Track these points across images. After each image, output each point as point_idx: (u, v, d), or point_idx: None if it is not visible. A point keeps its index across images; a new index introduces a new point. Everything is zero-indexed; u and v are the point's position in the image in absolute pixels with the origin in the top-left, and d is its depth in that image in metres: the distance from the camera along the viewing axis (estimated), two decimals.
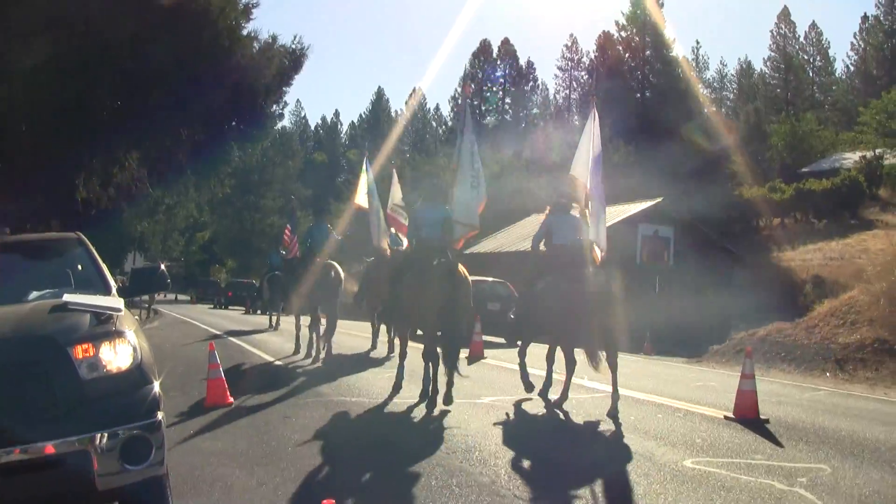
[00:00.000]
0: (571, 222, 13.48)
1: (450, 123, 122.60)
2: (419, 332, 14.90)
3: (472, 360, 19.05)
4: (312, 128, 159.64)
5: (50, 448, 5.47)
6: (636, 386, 15.71)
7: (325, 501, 4.91)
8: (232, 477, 8.62)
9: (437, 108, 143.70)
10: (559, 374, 13.88)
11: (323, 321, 19.84)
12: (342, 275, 19.88)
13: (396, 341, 16.38)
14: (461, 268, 12.70)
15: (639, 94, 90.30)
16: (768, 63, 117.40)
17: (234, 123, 26.45)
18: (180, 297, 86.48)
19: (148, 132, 22.49)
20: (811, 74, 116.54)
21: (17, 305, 6.77)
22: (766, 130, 79.30)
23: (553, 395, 13.57)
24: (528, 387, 13.82)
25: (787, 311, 30.25)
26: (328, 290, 19.24)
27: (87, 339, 5.92)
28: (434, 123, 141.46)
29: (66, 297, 6.43)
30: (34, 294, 7.30)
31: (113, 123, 20.92)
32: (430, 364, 13.08)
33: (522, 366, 14.02)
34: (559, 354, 13.92)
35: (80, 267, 8.04)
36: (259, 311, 46.31)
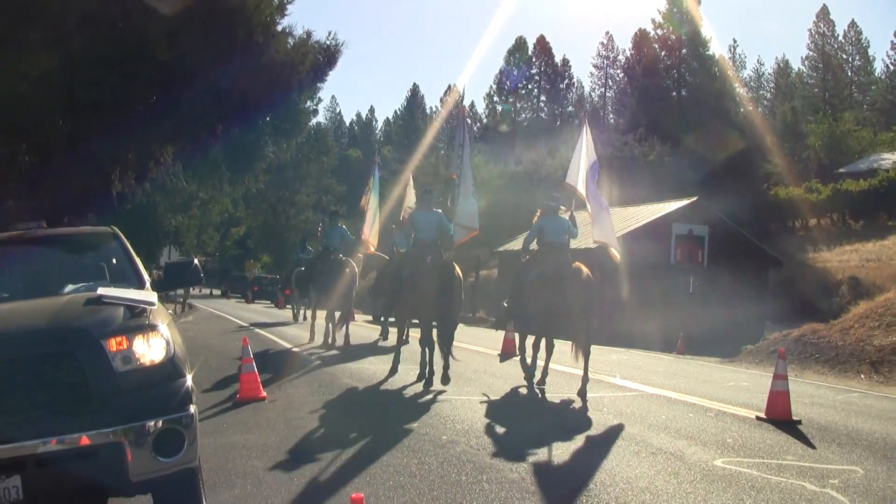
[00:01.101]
0: (560, 223, 15.17)
1: (485, 121, 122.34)
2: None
3: (504, 357, 19.07)
4: (347, 124, 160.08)
5: (85, 439, 5.53)
6: (668, 385, 15.68)
7: (354, 496, 4.94)
8: (263, 470, 8.70)
9: (473, 105, 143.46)
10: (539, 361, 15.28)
11: (338, 313, 21.78)
12: (357, 271, 21.98)
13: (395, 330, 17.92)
14: (453, 265, 14.77)
15: (675, 93, 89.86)
16: (806, 62, 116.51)
17: (268, 119, 26.58)
18: (215, 291, 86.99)
19: (183, 127, 22.60)
20: (850, 74, 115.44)
21: (53, 298, 6.85)
22: (803, 130, 78.69)
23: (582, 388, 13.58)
24: (531, 377, 15.05)
25: (822, 312, 30.09)
26: (343, 284, 21.21)
27: (120, 332, 5.98)
28: (469, 121, 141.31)
29: (101, 291, 6.49)
30: (69, 287, 7.38)
31: (148, 118, 21.03)
32: (427, 349, 14.98)
33: (523, 359, 15.37)
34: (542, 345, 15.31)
35: (114, 260, 8.10)
36: (287, 306, 46.74)
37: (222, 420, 11.54)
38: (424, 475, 8.48)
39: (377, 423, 11.31)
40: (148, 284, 7.61)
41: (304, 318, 31.26)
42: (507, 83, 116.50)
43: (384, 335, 22.16)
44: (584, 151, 16.36)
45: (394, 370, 16.09)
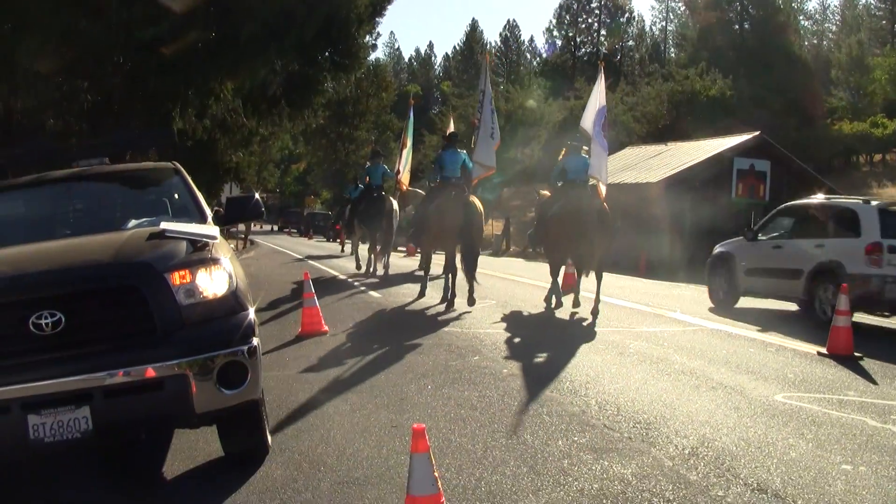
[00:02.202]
0: (581, 162, 16.75)
1: (544, 55, 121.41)
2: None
3: (564, 291, 19.01)
4: (406, 60, 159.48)
5: (151, 371, 5.61)
6: (729, 321, 15.57)
7: (415, 426, 4.97)
8: (326, 403, 8.79)
9: (532, 39, 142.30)
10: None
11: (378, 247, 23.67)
12: (395, 206, 23.98)
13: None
14: (474, 198, 16.59)
15: (737, 26, 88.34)
16: None
17: (327, 54, 26.46)
18: (275, 227, 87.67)
19: (242, 63, 22.59)
20: None
21: (117, 233, 6.92)
22: (868, 64, 77.03)
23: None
24: (558, 303, 16.79)
25: None
26: (384, 218, 23.10)
27: (184, 265, 6.03)
28: (528, 55, 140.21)
29: (164, 225, 6.54)
30: (133, 222, 7.42)
31: (207, 55, 21.05)
32: (450, 275, 16.95)
33: (555, 284, 16.98)
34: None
35: (176, 196, 8.14)
36: (331, 240, 53.48)
37: (285, 354, 11.67)
38: (485, 408, 8.53)
39: (437, 356, 11.35)
40: (210, 219, 7.64)
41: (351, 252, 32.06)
42: (546, 53, 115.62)
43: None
44: (596, 95, 17.60)
45: (422, 293, 17.89)
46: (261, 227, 74.99)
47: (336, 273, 25.30)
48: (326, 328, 13.37)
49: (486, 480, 6.39)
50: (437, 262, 19.02)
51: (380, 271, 23.47)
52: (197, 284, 5.99)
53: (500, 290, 19.18)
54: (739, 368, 10.91)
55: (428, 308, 16.57)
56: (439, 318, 15.00)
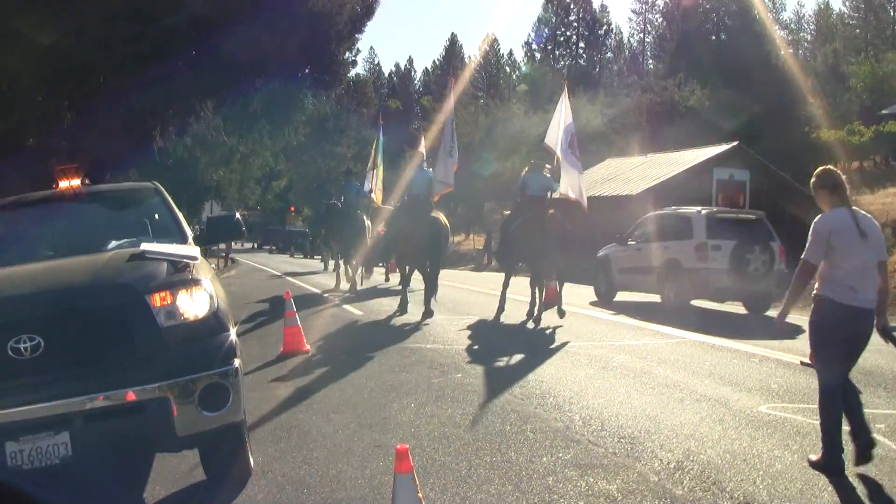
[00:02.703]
0: (542, 180, 17.32)
1: (523, 69, 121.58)
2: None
3: (546, 306, 19.01)
4: (386, 75, 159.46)
5: (131, 395, 5.55)
6: (712, 331, 15.58)
7: (399, 447, 4.93)
8: (309, 423, 8.74)
9: (511, 53, 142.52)
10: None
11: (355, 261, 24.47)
12: (368, 223, 24.61)
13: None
14: (440, 215, 17.67)
15: (714, 37, 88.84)
16: (848, 3, 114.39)
17: (307, 71, 26.52)
18: (256, 244, 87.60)
19: (222, 80, 22.60)
20: (892, 13, 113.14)
21: (97, 254, 6.86)
22: (844, 72, 77.36)
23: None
24: (500, 310, 17.38)
25: None
26: (357, 235, 23.72)
27: (164, 286, 5.98)
28: (508, 69, 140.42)
29: (144, 246, 6.50)
30: (113, 243, 7.37)
31: (188, 72, 21.03)
32: (404, 283, 18.37)
33: (503, 294, 17.61)
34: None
35: (157, 216, 8.09)
36: (309, 256, 56.29)
37: (267, 374, 11.60)
38: (469, 425, 8.49)
39: (420, 374, 11.32)
40: (191, 239, 7.61)
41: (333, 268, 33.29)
42: (534, 43, 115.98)
43: (387, 279, 24.28)
44: (562, 115, 18.52)
45: (403, 310, 18.00)
46: (242, 245, 74.83)
47: (315, 289, 25.61)
48: (308, 347, 13.30)
49: (471, 499, 6.35)
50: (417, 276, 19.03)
51: (358, 286, 24.16)
52: (178, 306, 5.94)
53: (482, 306, 19.14)
54: (723, 380, 10.91)
55: (407, 324, 16.52)
56: (420, 336, 14.95)
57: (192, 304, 6.03)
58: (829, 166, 7.85)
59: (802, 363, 11.69)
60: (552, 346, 13.67)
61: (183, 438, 5.87)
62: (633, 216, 25.97)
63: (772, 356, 12.77)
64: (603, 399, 9.80)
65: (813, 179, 7.70)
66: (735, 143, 39.72)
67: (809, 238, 7.43)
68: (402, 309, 18.00)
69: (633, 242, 21.78)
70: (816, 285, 7.45)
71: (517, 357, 12.59)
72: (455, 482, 6.73)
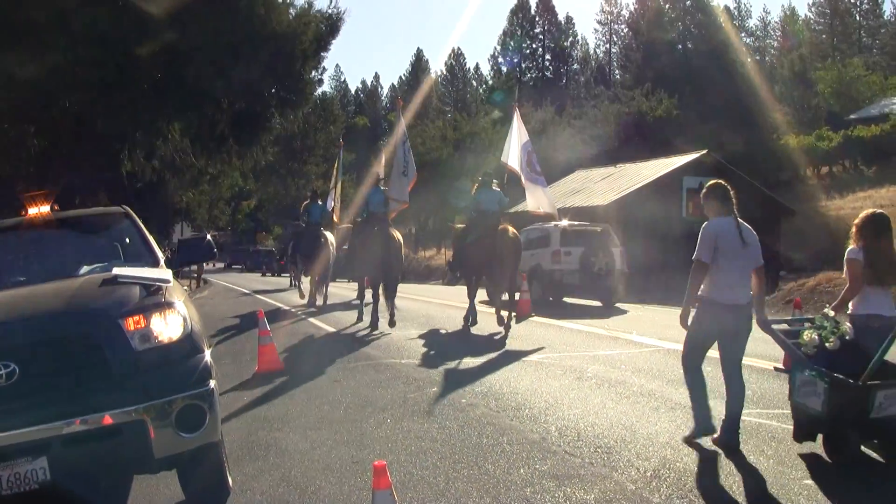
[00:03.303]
0: (493, 195, 18.19)
1: (490, 82, 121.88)
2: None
3: (519, 319, 19.17)
4: (353, 92, 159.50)
5: (108, 418, 5.57)
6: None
7: (376, 463, 4.99)
8: (286, 441, 8.77)
9: (478, 67, 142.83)
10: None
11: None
12: (332, 240, 25.93)
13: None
14: (395, 232, 18.74)
15: (680, 45, 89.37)
16: (813, 8, 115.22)
17: (273, 91, 26.58)
18: (224, 265, 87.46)
19: (189, 103, 22.61)
20: (858, 18, 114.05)
21: (69, 280, 6.88)
22: (811, 78, 77.97)
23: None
24: (473, 322, 18.37)
25: (837, 260, 29.97)
26: (321, 251, 24.77)
27: (138, 311, 6.01)
28: (475, 83, 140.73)
29: (116, 271, 6.53)
30: (85, 269, 7.39)
31: (154, 95, 21.06)
32: (374, 301, 18.92)
33: (471, 305, 18.44)
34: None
35: (127, 240, 8.11)
36: (274, 273, 59.23)
37: (243, 393, 11.61)
38: (445, 439, 8.55)
39: (395, 389, 11.36)
40: (162, 262, 7.64)
41: (293, 284, 35.24)
42: (504, 65, 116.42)
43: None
44: (516, 133, 20.07)
45: (359, 318, 19.42)
46: (214, 266, 74.65)
47: (283, 305, 26.38)
48: (283, 365, 13.33)
49: None
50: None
51: (319, 301, 25.19)
52: (151, 329, 5.97)
53: (454, 320, 19.20)
54: None
55: (379, 339, 16.59)
56: (395, 351, 14.98)
57: (166, 327, 6.07)
58: (719, 180, 8.97)
59: (776, 369, 11.85)
60: (526, 359, 13.73)
61: (161, 460, 5.89)
62: (603, 225, 26.39)
63: (745, 363, 12.86)
64: (578, 409, 9.87)
65: (704, 190, 8.82)
66: (704, 152, 40.01)
67: (699, 241, 8.38)
68: (360, 318, 19.38)
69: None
70: (702, 288, 8.39)
71: (491, 370, 12.64)
72: (433, 496, 6.79)
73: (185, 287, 30.53)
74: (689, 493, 6.71)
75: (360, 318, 19.40)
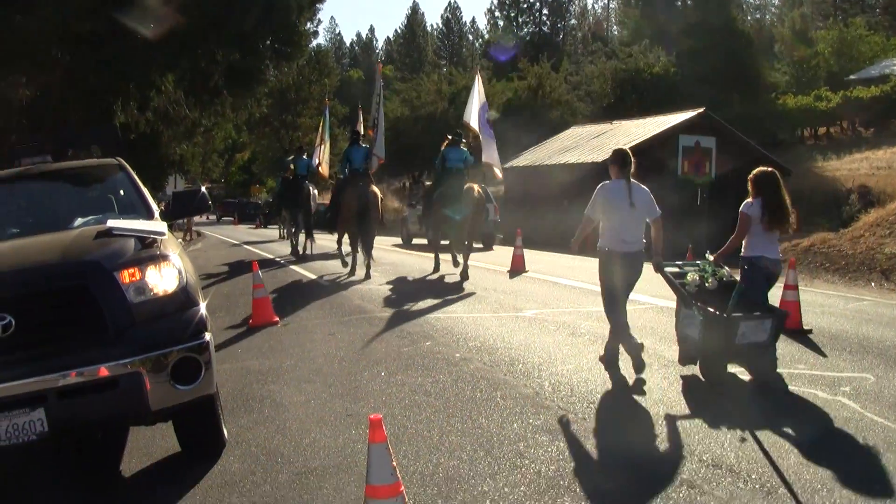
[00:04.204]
0: (460, 153, 19.42)
1: (486, 36, 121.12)
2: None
3: (513, 273, 19.26)
4: (348, 45, 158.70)
5: (104, 370, 5.63)
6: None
7: (372, 417, 5.03)
8: (281, 394, 8.84)
9: (474, 20, 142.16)
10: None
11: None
12: (315, 192, 28.32)
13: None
14: (374, 188, 20.21)
15: (679, 2, 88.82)
16: None
17: (268, 42, 26.49)
18: (224, 218, 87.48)
19: (182, 54, 22.50)
20: None
21: (63, 232, 6.93)
22: (812, 38, 77.44)
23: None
24: (437, 267, 20.26)
25: (832, 221, 30.05)
26: (303, 203, 26.70)
27: (133, 263, 6.06)
28: (470, 37, 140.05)
29: (111, 223, 6.55)
30: (79, 221, 7.42)
31: (147, 47, 20.92)
32: (353, 254, 20.54)
33: (437, 256, 20.56)
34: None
35: (122, 192, 8.12)
36: (259, 226, 60.44)
37: (237, 346, 11.68)
38: (439, 393, 8.62)
39: (389, 343, 11.41)
40: (157, 214, 7.65)
41: (284, 236, 36.15)
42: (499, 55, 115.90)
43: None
44: (476, 95, 21.78)
45: (345, 264, 21.03)
46: (207, 218, 74.51)
47: (272, 256, 28.24)
48: (277, 318, 13.40)
49: (444, 466, 6.48)
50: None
51: (309, 250, 26.82)
52: (147, 282, 6.02)
53: (453, 275, 19.26)
54: None
55: (371, 290, 16.69)
56: (389, 304, 15.03)
57: (161, 280, 6.12)
58: (622, 147, 10.57)
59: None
60: (520, 314, 13.78)
61: (157, 412, 5.97)
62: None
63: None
64: (572, 365, 9.94)
65: (609, 156, 10.27)
66: (701, 110, 39.73)
67: (592, 199, 9.87)
68: (348, 267, 20.47)
69: (415, 204, 30.28)
70: (602, 240, 9.78)
71: (485, 325, 12.69)
72: (427, 449, 6.86)
73: (180, 240, 30.60)
74: (681, 449, 6.78)
75: (349, 269, 20.33)
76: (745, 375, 9.44)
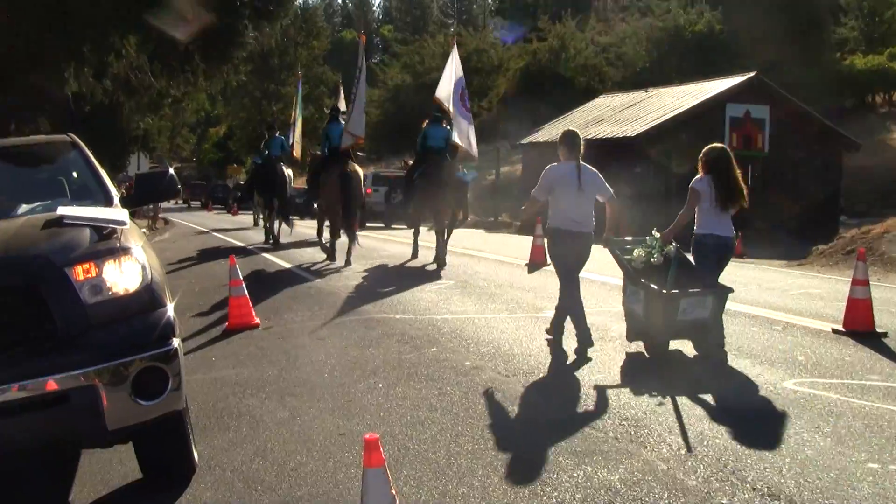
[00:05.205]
0: (441, 131, 21.17)
1: None
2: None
3: (532, 267, 19.26)
4: (340, 2, 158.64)
5: (52, 384, 5.52)
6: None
7: (367, 437, 4.98)
8: (261, 409, 8.80)
9: None
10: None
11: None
12: (290, 174, 29.83)
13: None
14: (355, 167, 21.43)
15: None
16: None
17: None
18: (194, 203, 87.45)
19: (148, 13, 22.44)
20: None
21: (5, 221, 6.82)
22: None
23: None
24: (415, 253, 21.95)
25: None
26: (277, 187, 27.73)
27: (87, 257, 5.95)
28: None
29: (62, 210, 6.47)
30: (24, 207, 7.35)
31: (106, 5, 20.86)
32: (333, 238, 21.65)
33: (415, 241, 22.17)
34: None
35: (75, 174, 8.04)
36: (229, 211, 62.35)
37: (211, 353, 11.66)
38: (447, 408, 8.58)
39: (389, 349, 11.38)
40: (116, 200, 7.57)
41: (257, 223, 37.69)
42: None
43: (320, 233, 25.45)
44: (452, 70, 22.24)
45: (326, 252, 22.07)
46: (176, 203, 74.58)
47: (246, 244, 29.34)
48: (257, 320, 13.36)
49: (451, 494, 6.43)
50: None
51: (283, 238, 28.24)
52: (104, 279, 5.92)
53: (457, 268, 19.30)
54: (741, 351, 11.00)
55: (363, 285, 16.77)
56: (387, 304, 15.00)
57: (122, 277, 6.02)
58: (572, 128, 12.17)
59: (835, 330, 11.87)
60: (539, 316, 13.71)
61: (115, 432, 5.85)
62: (631, 162, 26.15)
63: (797, 323, 12.89)
64: (600, 375, 9.90)
65: (559, 138, 11.74)
66: (752, 74, 39.56)
67: (539, 180, 11.36)
68: (330, 256, 21.66)
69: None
70: (552, 220, 11.27)
71: (500, 328, 12.65)
72: (432, 474, 6.81)
73: (144, 229, 30.60)
74: (731, 476, 6.71)
75: (327, 256, 21.80)
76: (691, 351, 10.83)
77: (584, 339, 11.06)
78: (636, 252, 11.14)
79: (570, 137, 11.53)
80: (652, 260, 10.98)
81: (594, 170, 11.47)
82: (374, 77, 77.07)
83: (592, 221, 11.28)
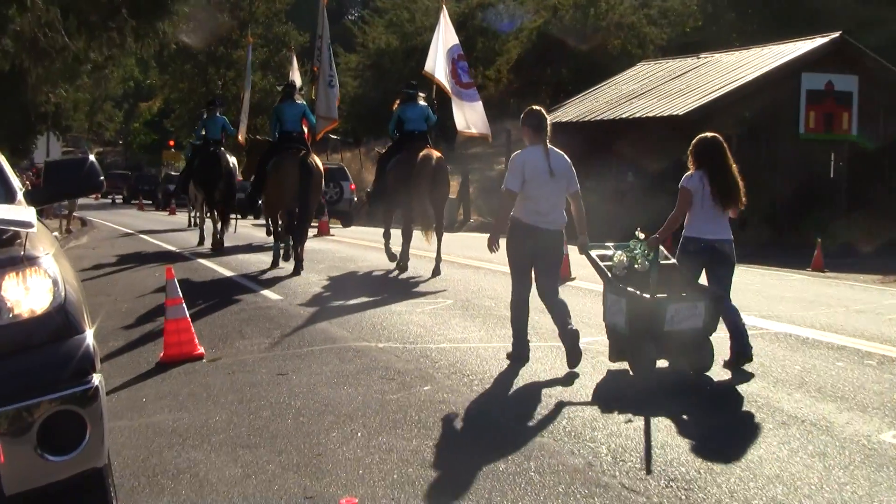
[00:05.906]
0: (419, 111, 21.85)
1: None
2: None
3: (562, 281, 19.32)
4: None
5: None
6: (802, 319, 15.67)
7: (343, 501, 4.96)
8: (206, 464, 8.75)
9: None
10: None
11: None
12: (235, 163, 30.15)
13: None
14: (314, 158, 21.93)
15: None
16: None
17: None
18: (117, 198, 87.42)
19: None
20: None
21: None
22: None
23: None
24: (392, 257, 22.54)
25: None
26: (222, 178, 28.10)
27: None
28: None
29: None
30: None
31: None
32: (287, 239, 22.91)
33: (387, 245, 22.87)
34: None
35: None
36: (159, 208, 66.22)
37: (142, 392, 11.64)
38: (444, 464, 8.55)
39: (369, 387, 11.36)
40: (20, 195, 7.53)
41: (192, 223, 38.84)
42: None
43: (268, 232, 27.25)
44: (441, 38, 23.32)
45: (274, 264, 23.11)
46: (96, 199, 74.67)
47: (179, 249, 29.91)
48: (201, 349, 13.31)
49: None
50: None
51: (226, 242, 28.91)
52: (3, 297, 5.88)
53: (457, 283, 19.33)
54: (823, 392, 10.97)
55: (337, 304, 16.87)
56: (368, 330, 14.98)
57: (26, 295, 5.97)
58: (536, 106, 12.79)
59: None
60: (560, 345, 13.64)
61: (14, 497, 5.78)
62: (676, 146, 25.98)
63: (857, 347, 12.87)
64: (640, 421, 9.85)
65: (522, 117, 12.48)
66: (835, 35, 39.28)
67: (507, 170, 12.19)
68: (274, 264, 23.03)
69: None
70: (515, 212, 12.00)
71: (505, 356, 12.62)
72: None
73: (55, 232, 30.55)
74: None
75: (272, 261, 23.21)
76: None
77: (519, 351, 12.33)
78: (617, 257, 12.08)
79: (534, 116, 12.29)
80: (636, 266, 11.84)
81: (564, 155, 12.25)
82: (350, 39, 77.23)
83: (563, 216, 12.12)
